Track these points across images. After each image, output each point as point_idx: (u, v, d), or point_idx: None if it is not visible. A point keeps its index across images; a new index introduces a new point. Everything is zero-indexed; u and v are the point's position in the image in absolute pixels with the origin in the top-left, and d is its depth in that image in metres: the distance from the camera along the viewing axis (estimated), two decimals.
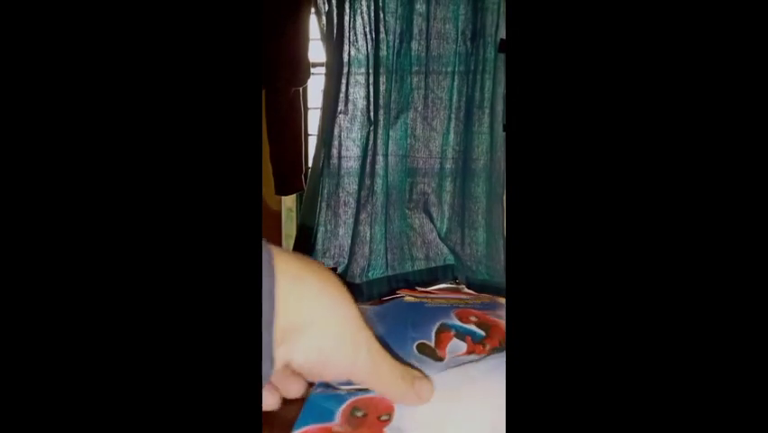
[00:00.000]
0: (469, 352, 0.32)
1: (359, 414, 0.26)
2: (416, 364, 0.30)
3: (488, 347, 0.32)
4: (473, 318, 0.37)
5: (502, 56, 1.16)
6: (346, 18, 1.19)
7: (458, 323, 0.36)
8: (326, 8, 1.20)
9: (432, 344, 0.34)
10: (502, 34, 1.17)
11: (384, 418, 0.26)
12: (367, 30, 1.21)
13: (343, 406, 0.27)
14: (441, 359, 0.32)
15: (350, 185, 1.26)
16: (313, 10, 1.20)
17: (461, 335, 0.35)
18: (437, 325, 0.36)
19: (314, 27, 1.23)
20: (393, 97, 1.23)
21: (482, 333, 0.35)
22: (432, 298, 0.43)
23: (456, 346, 0.33)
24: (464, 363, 0.29)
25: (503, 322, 0.37)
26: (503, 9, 1.15)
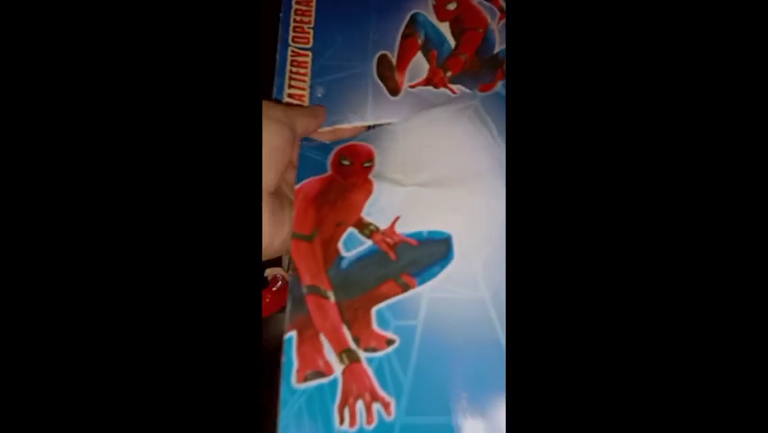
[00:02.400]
0: (426, 80, 0.34)
1: (346, 162, 0.32)
2: (371, 107, 0.34)
3: (448, 74, 0.34)
4: (452, 6, 0.36)
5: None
6: None
7: (431, 19, 0.35)
8: None
9: (394, 59, 0.34)
10: None
11: (367, 164, 0.32)
12: None
13: (331, 156, 0.33)
14: (396, 90, 0.34)
15: None
16: None
17: (428, 45, 0.35)
18: (406, 19, 0.35)
19: None
20: None
21: (452, 43, 0.35)
22: None
23: (416, 68, 0.35)
24: (422, 111, 0.34)
25: (484, 16, 0.35)
26: (503, 8, 1.02)
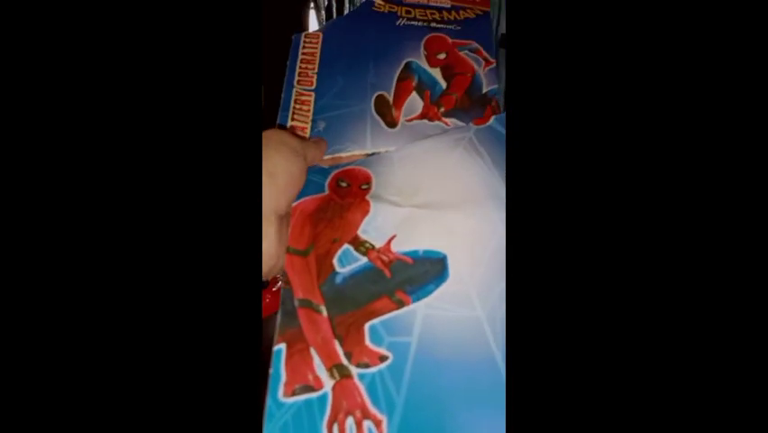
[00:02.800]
0: (422, 115, 0.37)
1: (343, 184, 0.33)
2: (369, 138, 0.35)
3: (442, 110, 0.37)
4: (442, 56, 0.40)
5: (503, 51, 1.15)
6: (345, 13, 1.18)
7: (423, 66, 0.39)
8: (326, 3, 1.18)
9: (390, 98, 0.38)
10: (503, 30, 1.15)
11: (364, 186, 0.33)
12: None
13: (329, 178, 0.33)
14: (394, 123, 0.37)
15: None
16: (312, 5, 1.18)
17: (422, 86, 0.38)
18: (401, 65, 0.39)
19: (313, 22, 1.20)
20: None
21: (443, 85, 0.38)
22: (407, 7, 0.42)
23: (411, 105, 0.38)
24: (419, 140, 0.35)
25: (471, 63, 0.39)
26: (503, 3, 1.13)
